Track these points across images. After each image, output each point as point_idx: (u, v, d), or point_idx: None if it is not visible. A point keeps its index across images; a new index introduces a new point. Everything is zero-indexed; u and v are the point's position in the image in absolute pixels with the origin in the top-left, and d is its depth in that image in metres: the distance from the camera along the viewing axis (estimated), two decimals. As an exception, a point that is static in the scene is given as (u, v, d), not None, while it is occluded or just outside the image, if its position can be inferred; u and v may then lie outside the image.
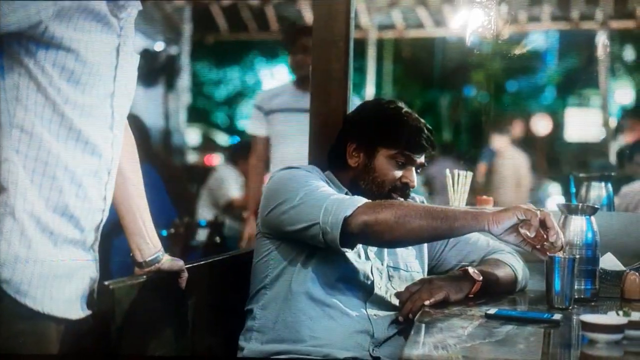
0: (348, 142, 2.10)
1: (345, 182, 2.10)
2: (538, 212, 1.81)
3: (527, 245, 1.85)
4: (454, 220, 1.83)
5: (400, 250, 2.11)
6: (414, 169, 2.09)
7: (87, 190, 1.72)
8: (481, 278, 2.00)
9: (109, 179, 1.78)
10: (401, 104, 2.14)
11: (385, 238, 1.86)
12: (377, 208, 1.85)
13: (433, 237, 1.98)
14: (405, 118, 2.10)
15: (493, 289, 2.04)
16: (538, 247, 1.86)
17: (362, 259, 2.05)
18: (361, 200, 1.89)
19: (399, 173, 2.07)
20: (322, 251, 1.95)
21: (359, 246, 2.04)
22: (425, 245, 2.17)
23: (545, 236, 1.84)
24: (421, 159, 2.10)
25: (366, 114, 2.14)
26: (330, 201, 1.88)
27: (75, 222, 1.71)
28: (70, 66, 1.64)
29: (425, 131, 2.09)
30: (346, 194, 2.06)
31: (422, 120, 2.12)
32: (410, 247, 2.13)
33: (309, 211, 1.90)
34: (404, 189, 2.08)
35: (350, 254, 2.01)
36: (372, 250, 2.07)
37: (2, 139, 1.65)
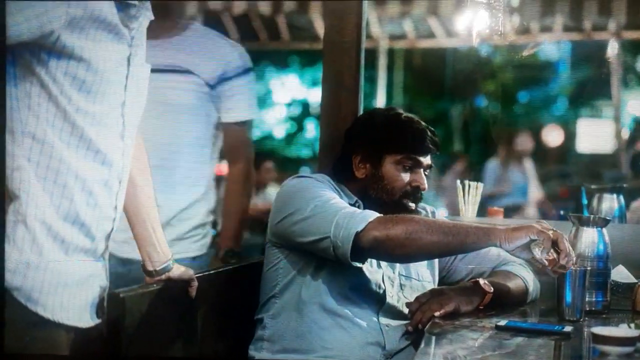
0: (352, 154, 2.10)
1: (355, 193, 2.09)
2: (551, 233, 1.80)
3: (537, 263, 1.84)
4: (466, 236, 1.82)
5: None
6: (422, 171, 2.08)
7: (98, 198, 1.72)
8: (492, 289, 1.99)
9: (119, 188, 1.78)
10: (400, 110, 2.15)
11: (396, 254, 1.86)
12: (389, 224, 1.85)
13: (444, 253, 1.99)
14: (407, 121, 2.10)
15: (504, 301, 2.03)
16: (549, 267, 1.85)
17: (374, 267, 2.05)
18: (373, 215, 1.88)
19: (407, 177, 2.06)
20: (332, 261, 1.95)
21: None
22: None
23: (556, 257, 1.83)
24: (427, 160, 2.09)
25: (367, 124, 2.14)
26: (342, 215, 1.88)
27: (85, 231, 1.72)
28: (81, 75, 1.66)
29: (428, 132, 2.09)
30: (356, 202, 2.06)
31: (424, 123, 2.12)
32: None
33: (320, 224, 1.90)
34: (415, 193, 2.07)
35: None
36: None
37: (14, 147, 1.66)
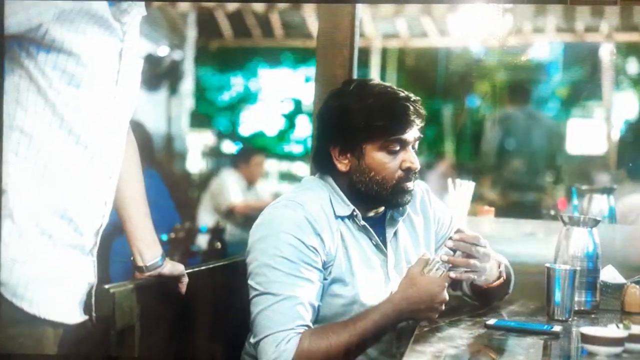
0: (330, 146, 1.86)
1: (345, 188, 1.87)
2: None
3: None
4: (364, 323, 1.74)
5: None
6: (410, 148, 1.85)
7: (87, 194, 1.71)
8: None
9: (109, 184, 1.77)
10: (372, 82, 1.88)
11: None
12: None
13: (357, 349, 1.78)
14: (383, 99, 1.83)
15: (497, 288, 1.99)
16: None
17: (383, 282, 1.89)
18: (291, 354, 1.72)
19: (397, 161, 1.83)
20: (335, 277, 1.83)
21: (377, 264, 1.89)
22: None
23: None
24: (415, 134, 1.85)
25: (339, 112, 1.86)
26: (266, 343, 1.74)
27: (74, 226, 1.70)
28: (70, 69, 1.64)
29: (408, 104, 1.83)
30: (352, 212, 1.86)
31: (400, 91, 1.85)
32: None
33: (256, 326, 1.78)
34: (408, 175, 1.84)
35: (372, 276, 1.87)
36: (390, 265, 1.92)
37: (2, 141, 1.64)
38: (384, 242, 1.91)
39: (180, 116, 6.81)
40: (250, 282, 1.81)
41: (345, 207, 1.86)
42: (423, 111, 1.86)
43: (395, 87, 1.88)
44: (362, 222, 1.87)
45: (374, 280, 1.87)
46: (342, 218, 1.86)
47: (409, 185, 1.86)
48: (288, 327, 1.73)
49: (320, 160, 1.91)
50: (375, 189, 1.84)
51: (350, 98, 1.86)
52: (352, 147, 1.84)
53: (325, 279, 1.82)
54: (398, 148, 1.84)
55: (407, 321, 1.82)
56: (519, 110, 4.94)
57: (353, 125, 1.83)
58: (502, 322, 1.86)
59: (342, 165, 1.86)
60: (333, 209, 1.85)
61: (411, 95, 1.87)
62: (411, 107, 1.83)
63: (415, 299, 1.74)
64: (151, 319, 1.86)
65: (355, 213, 1.87)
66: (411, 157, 1.85)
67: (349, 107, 1.84)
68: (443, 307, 1.78)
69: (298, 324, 1.74)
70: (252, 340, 1.78)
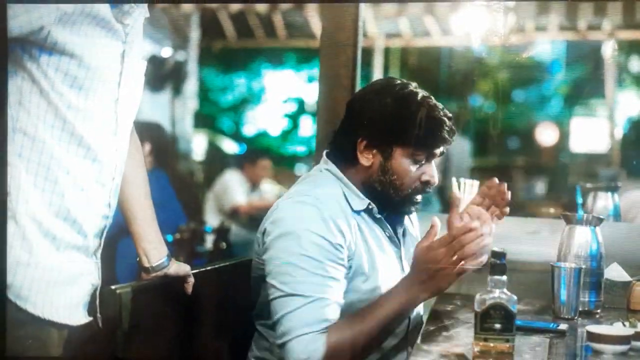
0: (357, 137, 1.84)
1: (358, 182, 1.87)
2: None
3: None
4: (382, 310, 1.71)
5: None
6: (432, 162, 1.86)
7: (90, 195, 1.71)
8: None
9: (113, 186, 1.77)
10: (416, 89, 1.86)
11: None
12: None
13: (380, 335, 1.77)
14: (424, 109, 1.83)
15: None
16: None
17: (399, 273, 1.88)
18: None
19: (418, 172, 1.84)
20: (356, 272, 1.81)
21: (393, 256, 1.89)
22: None
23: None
24: (441, 150, 1.86)
25: (377, 107, 1.84)
26: (295, 345, 1.71)
27: (77, 228, 1.70)
28: (73, 71, 1.64)
29: (446, 120, 1.84)
30: (368, 205, 1.85)
31: (440, 107, 1.85)
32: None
33: (284, 322, 1.73)
34: (424, 188, 1.87)
35: (390, 267, 1.86)
36: (404, 257, 1.93)
37: (6, 144, 1.65)
38: (396, 234, 1.92)
39: (184, 117, 6.83)
40: (272, 281, 1.77)
41: (361, 201, 1.86)
42: (455, 132, 1.87)
43: (434, 99, 1.87)
44: (379, 215, 1.87)
45: (392, 271, 1.88)
46: (359, 212, 1.86)
47: (420, 197, 1.88)
48: (315, 329, 1.70)
49: (341, 149, 1.89)
50: (390, 192, 1.85)
51: (393, 98, 1.84)
52: (381, 145, 1.83)
53: (347, 274, 1.81)
54: (424, 160, 1.85)
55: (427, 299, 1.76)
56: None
57: (389, 125, 1.83)
58: (508, 320, 1.85)
59: (365, 159, 1.85)
60: (349, 204, 1.84)
61: (448, 112, 1.86)
62: (448, 124, 1.84)
63: (418, 276, 1.68)
64: (157, 319, 1.86)
65: (371, 206, 1.86)
66: (432, 172, 1.86)
67: (391, 106, 1.83)
68: (445, 273, 1.65)
69: (325, 325, 1.71)
70: (278, 341, 1.75)
